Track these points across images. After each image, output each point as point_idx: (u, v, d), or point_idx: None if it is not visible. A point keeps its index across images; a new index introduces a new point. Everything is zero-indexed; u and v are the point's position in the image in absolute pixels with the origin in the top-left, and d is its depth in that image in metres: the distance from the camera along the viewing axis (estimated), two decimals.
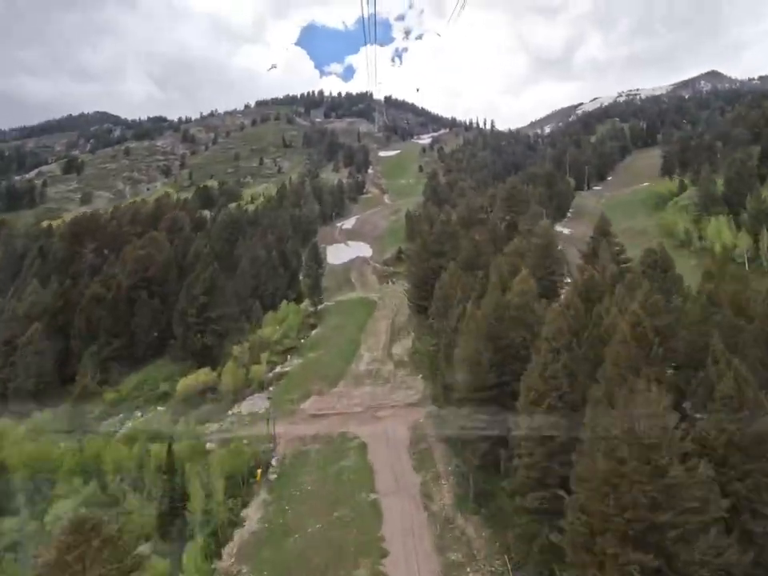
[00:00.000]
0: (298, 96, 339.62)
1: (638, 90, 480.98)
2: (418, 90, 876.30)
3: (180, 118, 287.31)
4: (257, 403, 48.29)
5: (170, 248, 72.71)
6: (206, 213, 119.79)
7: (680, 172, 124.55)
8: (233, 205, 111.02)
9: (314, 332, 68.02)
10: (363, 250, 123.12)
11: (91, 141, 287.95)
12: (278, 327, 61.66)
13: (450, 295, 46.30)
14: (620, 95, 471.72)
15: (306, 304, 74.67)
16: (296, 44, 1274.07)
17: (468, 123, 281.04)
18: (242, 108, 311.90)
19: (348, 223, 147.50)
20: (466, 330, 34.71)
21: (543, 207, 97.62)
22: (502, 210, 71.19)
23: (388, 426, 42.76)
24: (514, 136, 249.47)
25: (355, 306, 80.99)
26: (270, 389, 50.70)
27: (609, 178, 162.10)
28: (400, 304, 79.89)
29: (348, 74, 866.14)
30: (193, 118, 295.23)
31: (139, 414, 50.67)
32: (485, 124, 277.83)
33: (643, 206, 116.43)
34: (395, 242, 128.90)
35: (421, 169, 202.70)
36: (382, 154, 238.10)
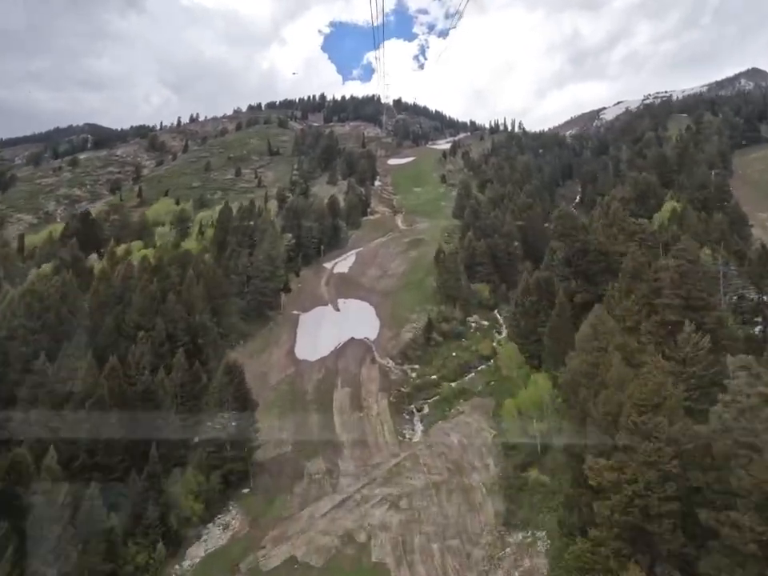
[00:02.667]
0: (297, 100, 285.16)
1: (666, 92, 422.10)
2: (415, 99, 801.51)
3: (155, 125, 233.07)
4: None
5: None
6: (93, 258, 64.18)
7: None
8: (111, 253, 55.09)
9: None
10: (364, 320, 66.20)
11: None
12: None
13: None
14: (646, 98, 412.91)
15: None
16: (321, 48, 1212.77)
17: (494, 125, 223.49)
18: (231, 113, 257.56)
19: (343, 263, 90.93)
20: None
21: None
22: None
23: None
24: (555, 138, 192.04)
25: None
26: None
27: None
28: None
29: (366, 73, 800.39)
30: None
31: None
32: (513, 126, 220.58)
33: None
34: (418, 299, 71.90)
35: (444, 179, 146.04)
36: (391, 161, 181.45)
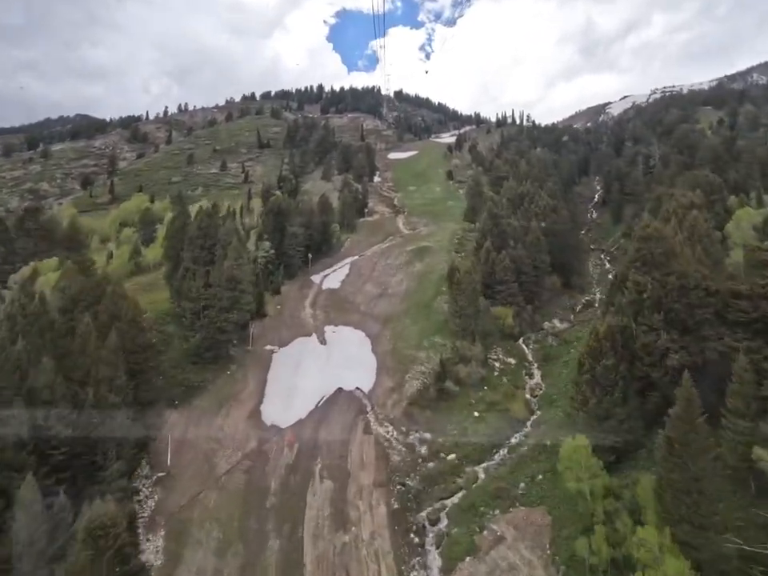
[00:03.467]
0: (293, 91, 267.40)
1: (673, 86, 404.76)
2: (426, 72, 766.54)
3: (140, 115, 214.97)
4: None
5: None
6: None
7: None
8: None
9: None
10: (356, 358, 50.00)
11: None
12: None
13: None
14: (654, 92, 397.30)
15: None
16: (325, 38, 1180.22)
17: (501, 118, 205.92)
18: (223, 103, 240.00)
19: (334, 275, 74.81)
20: None
21: None
22: None
23: None
24: (567, 131, 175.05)
25: None
26: None
27: None
28: None
29: (371, 63, 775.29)
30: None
31: None
32: (522, 119, 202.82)
33: None
34: (425, 329, 55.17)
35: (450, 175, 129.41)
36: (392, 156, 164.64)
